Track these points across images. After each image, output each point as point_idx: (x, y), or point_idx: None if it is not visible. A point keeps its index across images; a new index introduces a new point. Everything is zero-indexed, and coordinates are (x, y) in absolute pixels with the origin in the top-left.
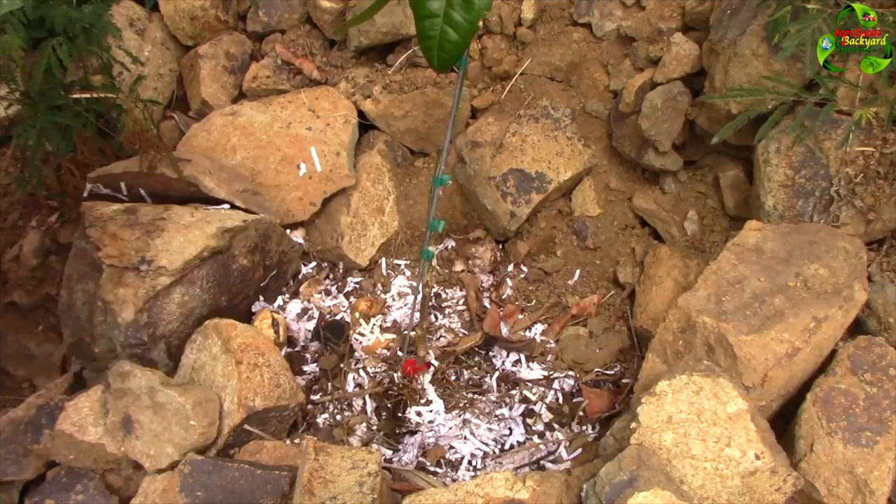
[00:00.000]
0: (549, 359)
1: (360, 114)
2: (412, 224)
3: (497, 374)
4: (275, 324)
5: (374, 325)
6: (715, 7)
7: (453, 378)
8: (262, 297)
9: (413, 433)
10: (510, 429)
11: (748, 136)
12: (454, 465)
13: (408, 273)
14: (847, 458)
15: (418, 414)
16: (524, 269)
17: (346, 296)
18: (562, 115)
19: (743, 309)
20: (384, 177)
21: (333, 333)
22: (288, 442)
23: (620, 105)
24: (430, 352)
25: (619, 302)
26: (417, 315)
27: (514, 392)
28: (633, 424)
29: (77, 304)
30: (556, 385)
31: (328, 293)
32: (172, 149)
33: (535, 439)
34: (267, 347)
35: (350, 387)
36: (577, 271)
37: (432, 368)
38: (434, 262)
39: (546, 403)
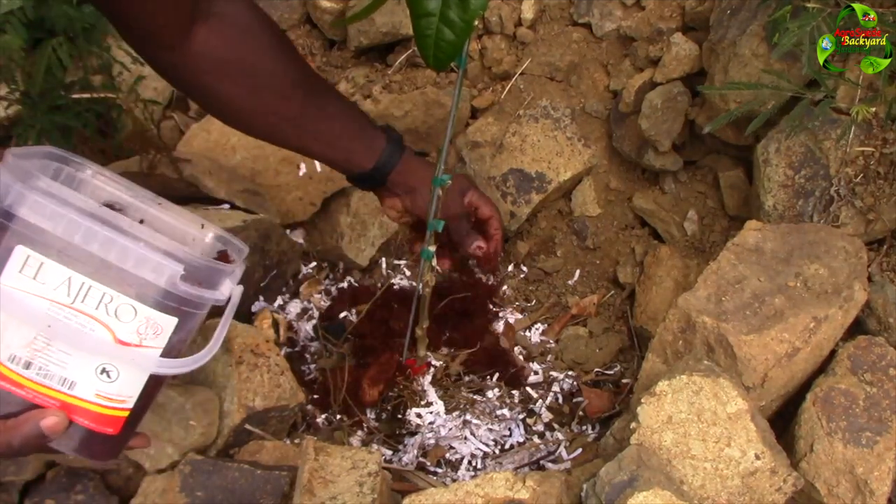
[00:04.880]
0: (549, 359)
1: None
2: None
3: (497, 374)
4: (275, 324)
5: None
6: (715, 7)
7: (454, 378)
8: (261, 297)
9: (413, 434)
10: (510, 429)
11: (749, 136)
12: (454, 466)
13: (408, 273)
14: (847, 458)
15: (418, 416)
16: (524, 269)
17: None
18: (562, 115)
19: (743, 309)
20: None
21: (333, 333)
22: (288, 442)
23: (620, 105)
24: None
25: (619, 302)
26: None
27: (514, 392)
28: (633, 424)
29: None
30: (556, 385)
31: (328, 293)
32: (172, 149)
33: (535, 439)
34: (267, 347)
35: None
36: (577, 271)
37: (432, 369)
38: (434, 262)
39: (546, 403)
